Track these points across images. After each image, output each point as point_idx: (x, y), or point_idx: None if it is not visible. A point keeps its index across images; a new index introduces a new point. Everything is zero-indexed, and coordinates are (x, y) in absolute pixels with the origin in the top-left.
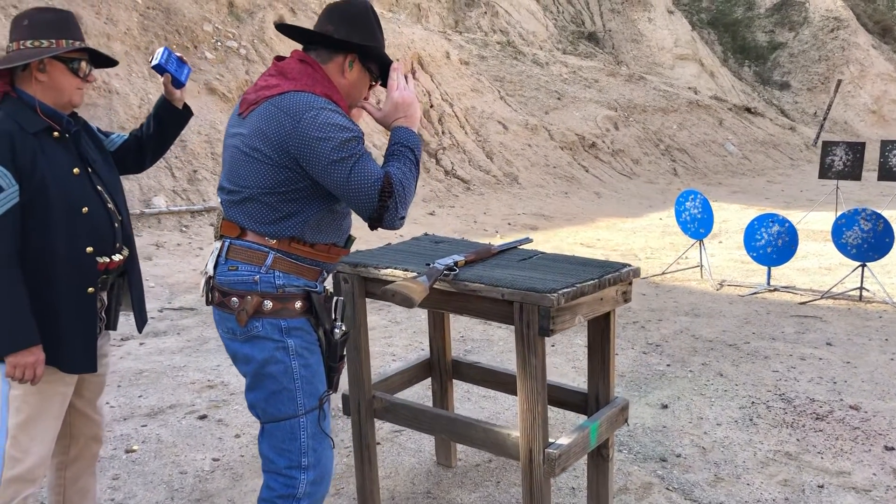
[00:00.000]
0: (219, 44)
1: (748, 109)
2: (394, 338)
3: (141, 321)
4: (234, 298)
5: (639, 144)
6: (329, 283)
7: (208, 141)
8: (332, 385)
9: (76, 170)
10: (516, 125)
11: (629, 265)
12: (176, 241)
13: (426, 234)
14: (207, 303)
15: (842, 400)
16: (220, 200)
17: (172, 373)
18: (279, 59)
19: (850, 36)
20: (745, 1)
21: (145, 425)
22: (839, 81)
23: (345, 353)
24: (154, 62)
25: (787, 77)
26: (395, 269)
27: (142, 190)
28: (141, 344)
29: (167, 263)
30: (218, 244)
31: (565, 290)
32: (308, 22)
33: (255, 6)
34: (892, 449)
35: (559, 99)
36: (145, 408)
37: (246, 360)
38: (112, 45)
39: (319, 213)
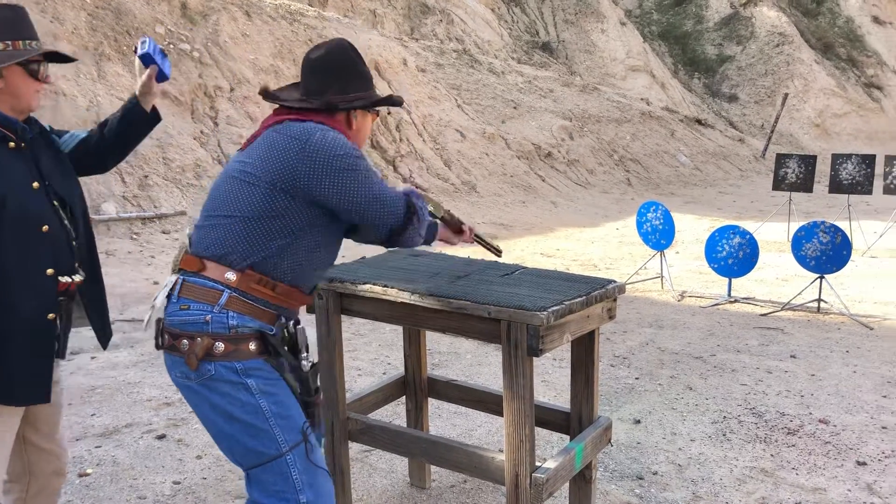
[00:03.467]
0: (171, 46)
1: (699, 121)
2: (358, 351)
3: (104, 337)
4: (185, 341)
5: (593, 154)
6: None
7: (160, 146)
8: (315, 423)
9: (35, 184)
10: (473, 133)
11: (614, 281)
12: (126, 250)
13: None
14: (157, 347)
15: (811, 414)
16: (187, 235)
17: (127, 389)
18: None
19: (794, 51)
20: (695, 14)
21: (99, 446)
22: (786, 95)
23: (318, 384)
24: (141, 51)
25: (735, 90)
26: (374, 284)
27: (90, 196)
28: (92, 358)
29: (118, 273)
30: (172, 279)
31: (554, 307)
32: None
33: (209, 9)
34: (864, 464)
35: (515, 108)
36: (99, 427)
37: (205, 406)
38: (58, 46)
39: (296, 252)
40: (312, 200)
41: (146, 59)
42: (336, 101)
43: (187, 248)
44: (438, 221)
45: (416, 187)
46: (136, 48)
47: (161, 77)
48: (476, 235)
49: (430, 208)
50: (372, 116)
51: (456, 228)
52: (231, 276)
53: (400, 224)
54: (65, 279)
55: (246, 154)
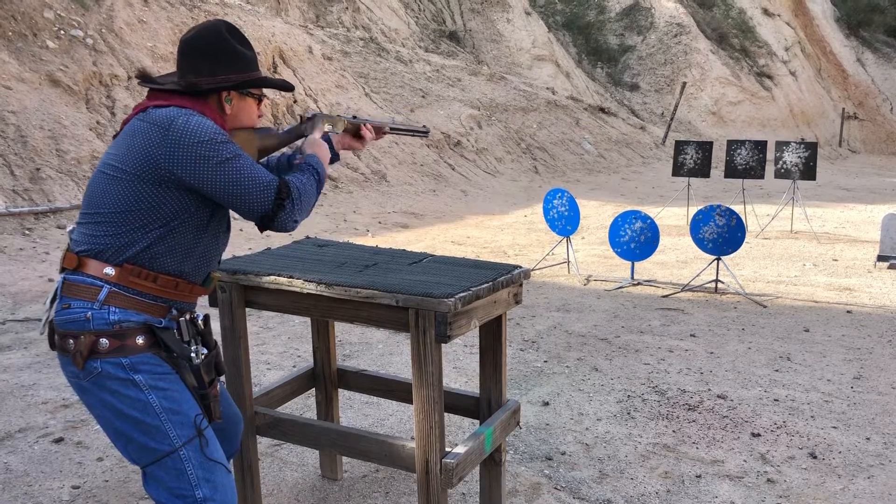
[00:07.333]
0: (62, 32)
1: (602, 109)
2: (267, 345)
3: None
4: (70, 340)
5: (501, 143)
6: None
7: (52, 137)
8: (212, 415)
9: None
10: None
11: (520, 267)
12: (18, 246)
13: (308, 237)
14: (51, 348)
15: (710, 390)
16: (69, 233)
17: (20, 392)
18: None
19: (691, 41)
20: (597, 4)
21: None
22: (684, 84)
23: (214, 376)
24: None
25: (636, 79)
26: (279, 275)
27: None
28: None
29: (9, 270)
30: (58, 279)
31: (461, 294)
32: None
33: None
34: (758, 435)
35: (424, 97)
36: None
37: (98, 404)
38: None
39: (177, 242)
40: (183, 187)
41: None
42: (199, 83)
43: (69, 246)
44: (332, 135)
45: (316, 113)
46: None
47: None
48: (392, 128)
49: (329, 127)
50: (253, 101)
51: (355, 133)
52: (110, 271)
53: (269, 211)
54: None
55: (114, 145)
